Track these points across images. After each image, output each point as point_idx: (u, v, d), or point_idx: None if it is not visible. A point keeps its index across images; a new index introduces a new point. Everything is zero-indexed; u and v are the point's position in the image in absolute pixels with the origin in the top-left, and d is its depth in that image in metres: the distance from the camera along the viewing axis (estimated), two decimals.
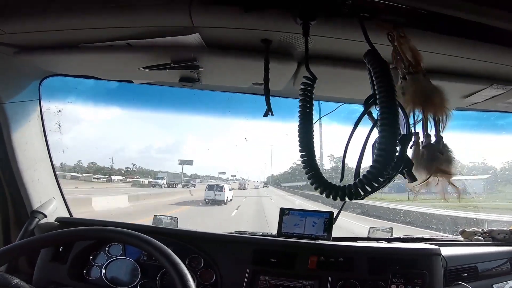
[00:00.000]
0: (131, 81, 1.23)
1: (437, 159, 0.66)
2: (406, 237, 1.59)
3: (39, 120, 1.25)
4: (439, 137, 0.69)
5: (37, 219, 1.20)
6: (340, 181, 0.64)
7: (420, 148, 0.69)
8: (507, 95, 1.12)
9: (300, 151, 0.65)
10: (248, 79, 1.09)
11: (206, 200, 11.80)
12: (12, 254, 0.85)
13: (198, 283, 1.15)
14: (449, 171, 0.65)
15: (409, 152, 0.67)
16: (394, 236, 1.59)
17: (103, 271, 1.19)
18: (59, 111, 1.43)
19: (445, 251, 1.21)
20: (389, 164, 0.58)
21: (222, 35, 0.85)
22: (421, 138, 0.70)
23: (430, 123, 0.69)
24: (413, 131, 0.69)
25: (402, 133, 0.62)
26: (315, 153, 0.66)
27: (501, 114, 1.47)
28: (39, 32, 0.87)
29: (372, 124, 0.66)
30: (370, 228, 1.64)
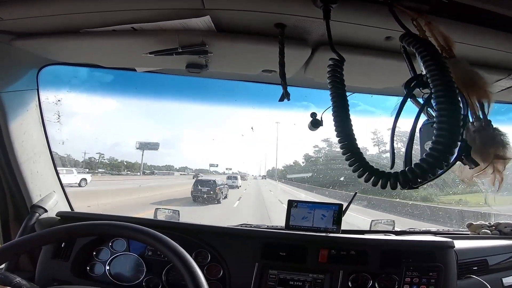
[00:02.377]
0: (133, 69, 1.18)
1: (494, 143, 0.61)
2: (412, 229, 1.57)
3: (37, 110, 1.19)
4: (487, 121, 0.64)
5: (37, 214, 1.15)
6: (391, 168, 0.58)
7: (471, 132, 0.63)
8: None
9: (338, 135, 0.59)
10: (258, 65, 1.04)
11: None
12: (12, 252, 0.81)
13: (205, 278, 1.12)
14: (506, 156, 0.61)
15: None
16: (397, 229, 1.57)
17: (107, 267, 1.16)
18: (58, 100, 1.37)
19: (455, 244, 1.19)
20: (455, 146, 0.51)
21: (234, 18, 0.80)
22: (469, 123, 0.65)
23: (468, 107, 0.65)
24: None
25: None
26: (355, 137, 0.59)
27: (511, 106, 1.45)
28: (37, 17, 0.81)
29: (419, 109, 0.61)
30: (372, 221, 1.62)
